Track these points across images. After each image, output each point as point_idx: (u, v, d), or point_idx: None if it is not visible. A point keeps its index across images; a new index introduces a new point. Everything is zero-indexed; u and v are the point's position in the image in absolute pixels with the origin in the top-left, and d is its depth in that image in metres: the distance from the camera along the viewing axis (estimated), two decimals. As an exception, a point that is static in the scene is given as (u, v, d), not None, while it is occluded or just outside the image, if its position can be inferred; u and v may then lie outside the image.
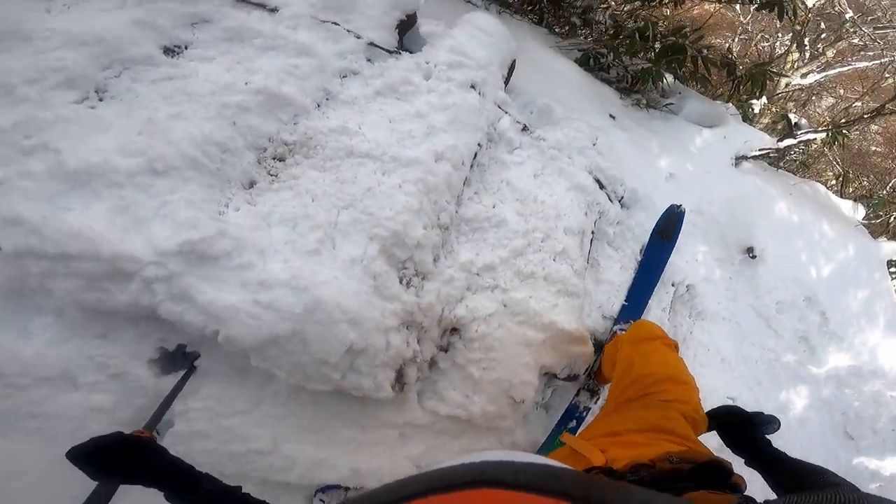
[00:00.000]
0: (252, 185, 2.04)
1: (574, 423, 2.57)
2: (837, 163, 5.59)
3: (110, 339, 1.83)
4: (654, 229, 2.87)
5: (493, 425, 2.30)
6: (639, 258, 3.20)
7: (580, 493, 0.31)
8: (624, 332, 2.40)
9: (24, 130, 1.75)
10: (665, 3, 3.38)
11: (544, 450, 2.55)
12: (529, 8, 3.65)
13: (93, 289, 1.69)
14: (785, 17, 3.35)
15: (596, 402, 2.62)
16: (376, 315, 1.92)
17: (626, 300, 2.87)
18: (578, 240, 2.68)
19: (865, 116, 4.23)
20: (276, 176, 2.09)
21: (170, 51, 2.19)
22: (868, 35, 5.48)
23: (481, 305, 2.35)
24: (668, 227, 2.78)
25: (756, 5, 3.28)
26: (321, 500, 2.19)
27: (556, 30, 3.70)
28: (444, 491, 0.34)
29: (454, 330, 2.39)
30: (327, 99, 2.36)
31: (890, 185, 5.70)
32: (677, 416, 1.31)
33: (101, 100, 1.95)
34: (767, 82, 3.45)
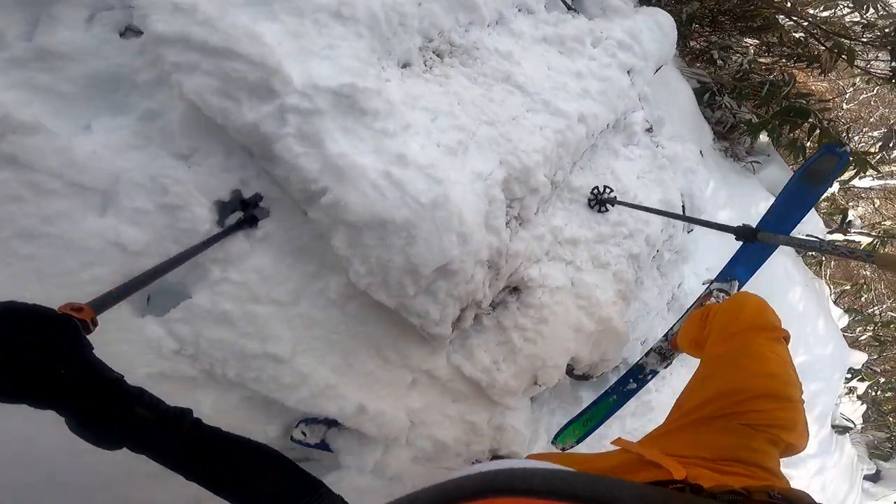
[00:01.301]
0: (406, 66, 1.76)
1: (634, 385, 2.30)
2: (828, 267, 5.49)
3: (191, 162, 1.48)
4: (802, 169, 1.79)
5: (502, 400, 2.06)
6: (676, 291, 2.96)
7: (589, 494, 0.27)
8: (719, 302, 1.84)
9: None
10: (811, 66, 3.06)
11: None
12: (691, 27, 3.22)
13: (226, 95, 1.37)
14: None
15: (666, 367, 2.28)
16: (479, 241, 1.64)
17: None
18: (649, 252, 2.42)
19: None
20: (430, 68, 1.80)
21: None
22: None
23: (553, 275, 2.10)
24: (824, 168, 1.72)
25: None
26: (303, 432, 1.85)
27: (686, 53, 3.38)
28: (462, 501, 0.30)
29: (514, 289, 2.12)
30: (498, 23, 2.04)
31: (872, 310, 5.64)
32: (764, 446, 0.94)
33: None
34: (861, 173, 3.21)
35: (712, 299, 1.96)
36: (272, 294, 1.63)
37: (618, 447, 1.04)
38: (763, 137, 3.32)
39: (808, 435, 1.04)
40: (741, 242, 1.59)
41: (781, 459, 1.00)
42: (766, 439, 0.94)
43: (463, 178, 1.60)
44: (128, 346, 1.48)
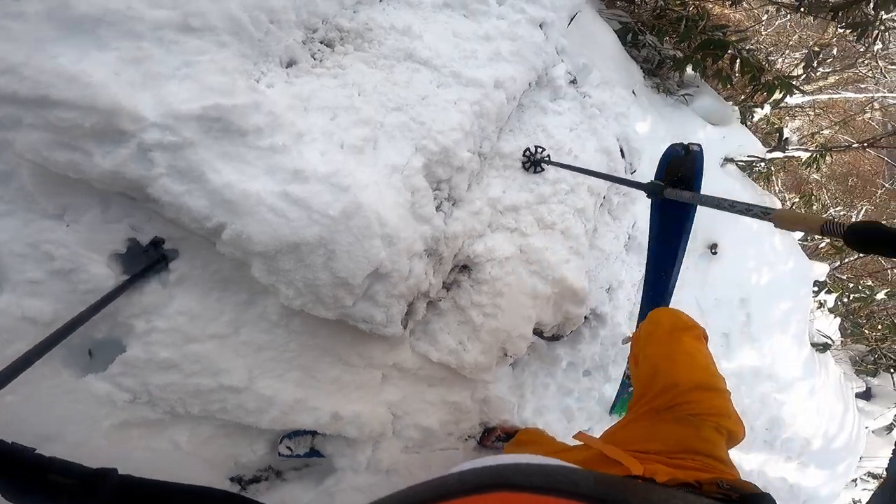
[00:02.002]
0: (291, 64, 1.54)
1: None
2: (777, 180, 5.44)
3: (67, 221, 1.29)
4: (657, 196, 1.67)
5: (476, 377, 1.95)
6: (631, 231, 2.83)
7: (596, 493, 0.26)
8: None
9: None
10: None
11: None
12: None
13: (67, 146, 1.16)
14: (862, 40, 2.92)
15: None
16: (409, 235, 1.49)
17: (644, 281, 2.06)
18: (595, 202, 2.27)
19: (854, 145, 3.97)
20: (320, 61, 1.58)
21: None
22: (882, 69, 5.15)
23: (499, 246, 1.95)
24: (686, 167, 1.62)
25: (842, 25, 2.83)
26: (288, 447, 1.74)
27: (603, -5, 3.17)
28: (462, 495, 0.29)
29: (464, 267, 1.97)
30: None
31: (826, 214, 5.58)
32: (712, 435, 0.98)
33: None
34: (787, 95, 3.08)
35: None
36: (208, 330, 1.48)
37: (580, 442, 1.04)
38: (691, 70, 3.15)
39: (743, 424, 1.08)
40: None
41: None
42: (711, 427, 0.96)
43: (376, 176, 1.42)
44: (81, 405, 1.38)
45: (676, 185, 1.55)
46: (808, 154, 3.65)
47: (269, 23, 1.36)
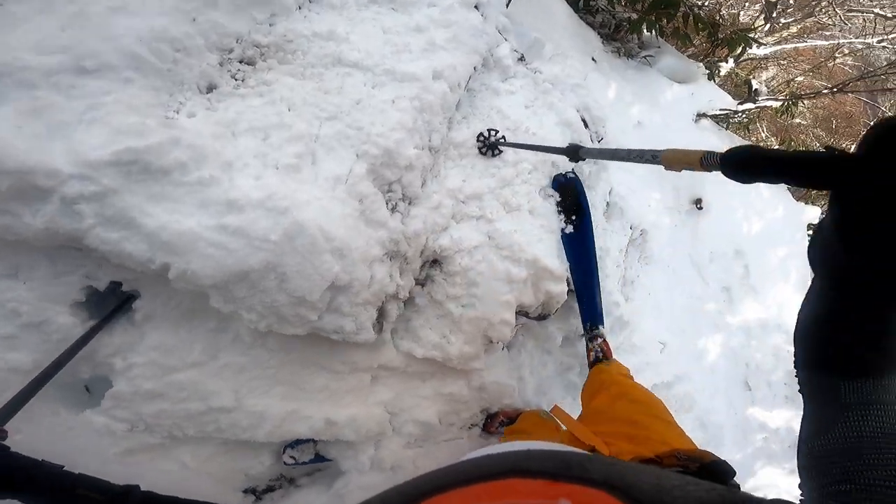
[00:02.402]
0: (211, 89, 1.46)
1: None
2: (763, 129, 5.27)
3: (22, 279, 1.28)
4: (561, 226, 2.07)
5: (466, 367, 1.90)
6: (609, 199, 2.74)
7: (603, 477, 0.26)
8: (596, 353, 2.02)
9: None
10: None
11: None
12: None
13: None
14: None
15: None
16: (362, 244, 1.43)
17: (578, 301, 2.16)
18: (562, 177, 2.17)
19: (824, 91, 3.83)
20: (242, 81, 1.50)
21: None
22: (840, 16, 4.94)
23: (466, 236, 1.88)
24: (569, 195, 2.04)
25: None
26: (291, 456, 1.74)
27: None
28: (479, 481, 0.30)
29: (434, 262, 1.90)
30: (310, 0, 1.69)
31: None
32: (662, 412, 1.08)
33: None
34: (747, 48, 2.95)
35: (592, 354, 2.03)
36: (187, 359, 1.47)
37: (555, 417, 1.09)
38: (647, 31, 3.02)
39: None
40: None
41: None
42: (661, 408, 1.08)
43: (317, 191, 1.36)
44: (84, 439, 1.42)
45: (571, 208, 2.01)
46: (780, 103, 3.51)
47: (174, 52, 1.28)
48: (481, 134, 1.95)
